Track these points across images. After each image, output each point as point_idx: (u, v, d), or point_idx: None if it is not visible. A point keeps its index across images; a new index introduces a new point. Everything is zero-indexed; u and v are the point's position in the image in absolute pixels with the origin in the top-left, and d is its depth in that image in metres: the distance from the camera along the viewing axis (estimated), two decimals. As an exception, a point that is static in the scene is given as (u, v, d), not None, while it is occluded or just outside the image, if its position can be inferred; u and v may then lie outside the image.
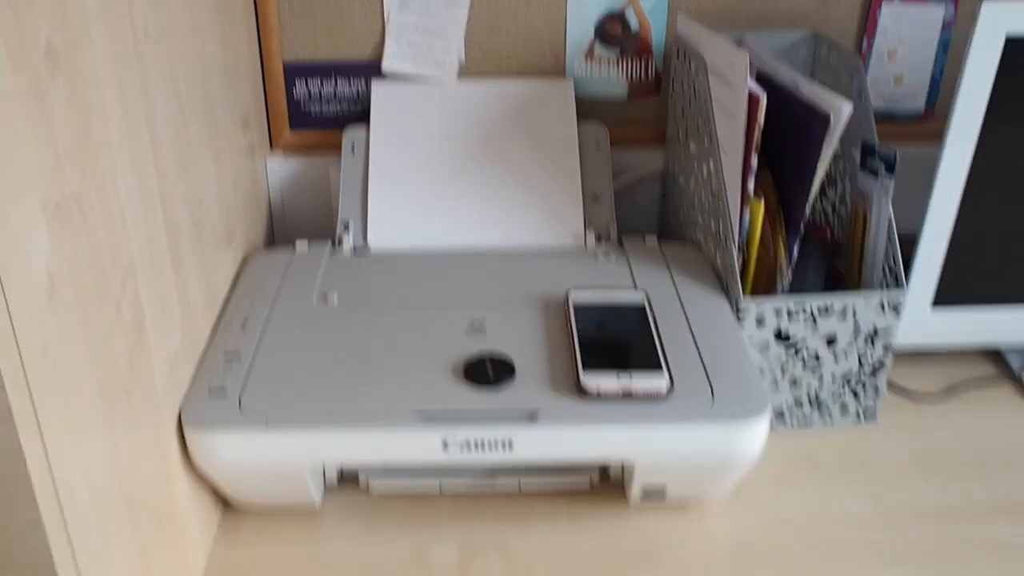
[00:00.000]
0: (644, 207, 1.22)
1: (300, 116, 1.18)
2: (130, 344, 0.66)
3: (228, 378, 0.80)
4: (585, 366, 0.80)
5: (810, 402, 0.99)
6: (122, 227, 0.65)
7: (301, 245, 1.05)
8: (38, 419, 0.52)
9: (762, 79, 1.02)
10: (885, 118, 1.22)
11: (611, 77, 1.18)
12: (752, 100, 0.91)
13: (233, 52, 1.01)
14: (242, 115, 1.05)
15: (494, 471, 0.85)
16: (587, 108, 1.18)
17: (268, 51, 1.14)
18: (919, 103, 1.22)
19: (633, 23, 1.16)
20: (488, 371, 0.80)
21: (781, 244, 0.96)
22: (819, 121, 0.91)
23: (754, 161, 0.91)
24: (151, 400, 0.71)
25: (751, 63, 1.05)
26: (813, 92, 0.93)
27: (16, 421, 0.49)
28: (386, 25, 1.14)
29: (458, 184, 1.11)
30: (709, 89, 0.98)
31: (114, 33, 0.65)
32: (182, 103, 0.82)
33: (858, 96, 1.01)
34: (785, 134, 0.96)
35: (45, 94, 0.54)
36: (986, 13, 0.87)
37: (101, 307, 0.61)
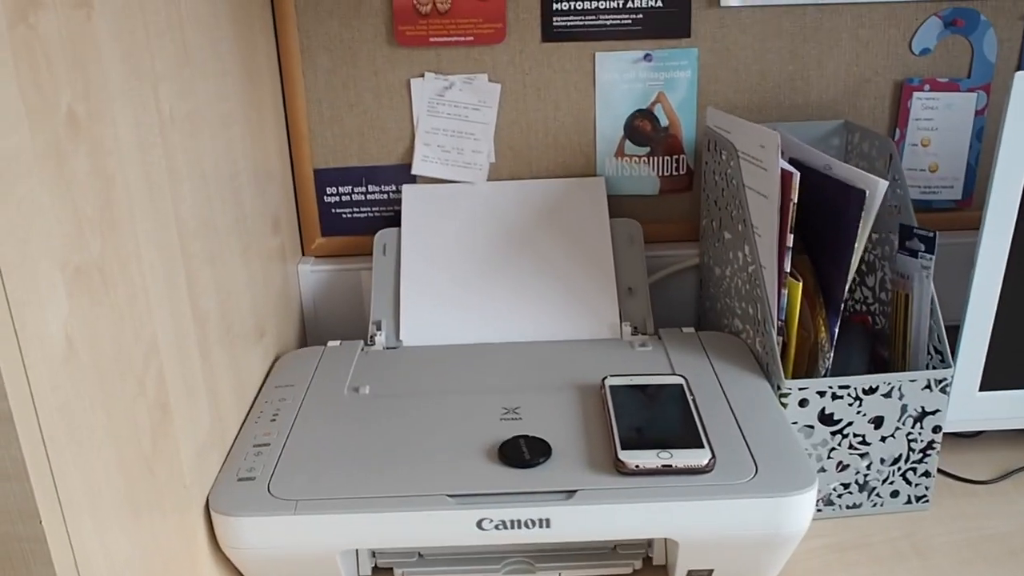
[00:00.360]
0: (681, 301, 1.21)
1: (331, 221, 1.19)
2: (153, 422, 0.65)
3: (257, 466, 0.79)
4: (624, 444, 0.78)
5: (859, 486, 0.95)
6: (146, 303, 0.65)
7: (333, 343, 1.04)
8: (54, 478, 0.50)
9: (795, 163, 1.02)
10: (922, 207, 1.21)
11: (642, 174, 1.19)
12: (785, 177, 0.90)
13: (263, 155, 1.02)
14: (272, 217, 1.06)
15: (533, 559, 0.81)
16: (619, 205, 1.18)
17: (299, 157, 1.16)
18: (956, 191, 1.21)
19: (662, 120, 1.16)
20: (523, 451, 0.78)
21: (822, 325, 0.93)
22: (854, 197, 0.90)
23: (790, 240, 0.90)
24: (176, 482, 0.69)
25: (782, 147, 1.04)
26: (847, 171, 0.92)
27: (31, 476, 0.48)
28: (415, 130, 1.15)
29: (491, 282, 1.10)
30: (741, 173, 0.98)
31: (138, 109, 0.66)
32: (209, 191, 0.82)
33: (893, 179, 1.00)
34: (820, 215, 0.95)
35: (65, 158, 0.54)
36: (1020, 84, 0.86)
37: (122, 379, 0.60)
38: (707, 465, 0.75)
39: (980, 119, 1.17)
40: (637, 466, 0.75)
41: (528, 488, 0.75)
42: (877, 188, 0.89)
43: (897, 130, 1.17)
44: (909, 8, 1.13)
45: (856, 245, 0.90)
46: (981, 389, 0.99)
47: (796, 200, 0.89)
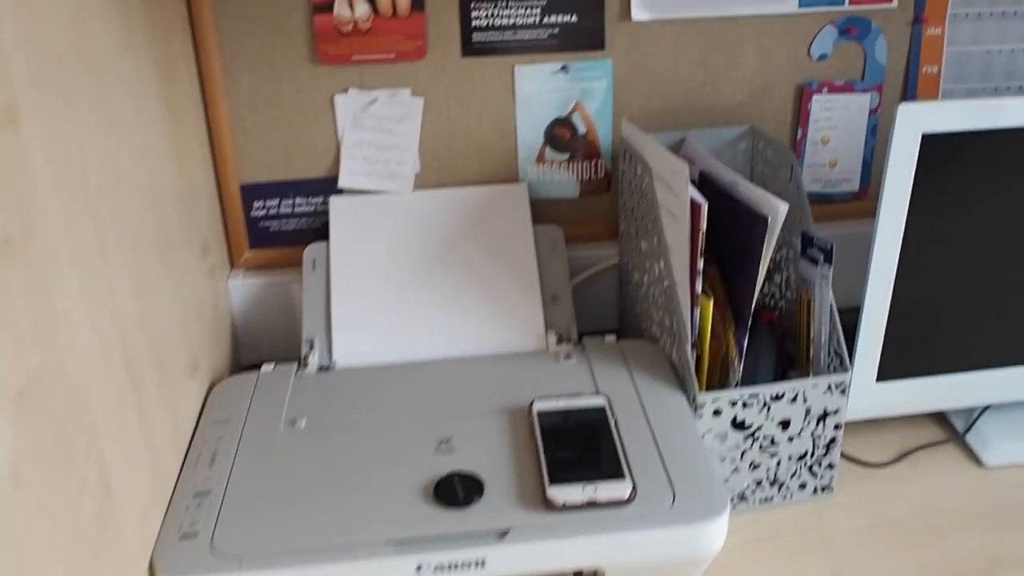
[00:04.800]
0: (602, 299, 1.22)
1: (260, 235, 1.17)
2: (98, 508, 0.64)
3: (199, 519, 0.78)
4: (551, 478, 0.80)
5: (770, 483, 0.98)
6: (84, 394, 0.63)
7: (266, 368, 1.03)
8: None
9: (704, 179, 1.03)
10: (823, 199, 1.23)
11: (563, 179, 1.18)
12: (694, 208, 0.91)
13: (189, 183, 1.01)
14: (201, 242, 1.04)
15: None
16: (541, 209, 1.18)
17: (225, 174, 1.13)
18: (853, 184, 1.23)
19: (580, 127, 1.16)
20: (457, 490, 0.79)
21: (731, 338, 0.95)
22: (758, 222, 0.91)
23: (700, 264, 0.92)
24: (121, 555, 0.68)
25: (694, 162, 1.05)
26: (752, 193, 0.94)
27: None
28: (340, 143, 1.13)
29: (420, 294, 1.09)
30: (655, 192, 0.98)
31: (68, 204, 0.64)
32: (140, 251, 0.81)
33: (796, 188, 1.02)
34: (729, 233, 0.97)
35: (2, 287, 0.52)
36: (903, 114, 0.88)
37: (66, 479, 0.59)
38: (629, 497, 0.78)
39: (874, 117, 1.19)
40: (564, 503, 0.76)
41: (463, 529, 0.76)
42: (778, 213, 0.91)
43: (799, 129, 1.19)
44: (807, 18, 1.14)
45: (760, 267, 0.92)
46: (878, 380, 1.02)
47: (705, 229, 0.90)
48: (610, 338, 1.07)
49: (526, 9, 1.11)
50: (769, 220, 0.91)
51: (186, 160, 1.01)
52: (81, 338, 0.65)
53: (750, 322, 0.96)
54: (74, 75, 0.69)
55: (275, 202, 1.17)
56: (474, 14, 1.11)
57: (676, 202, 0.94)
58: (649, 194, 1.01)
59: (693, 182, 0.95)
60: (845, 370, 0.96)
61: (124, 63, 0.82)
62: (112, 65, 0.79)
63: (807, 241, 1.00)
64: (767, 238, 0.92)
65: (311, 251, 1.14)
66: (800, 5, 1.14)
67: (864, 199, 1.25)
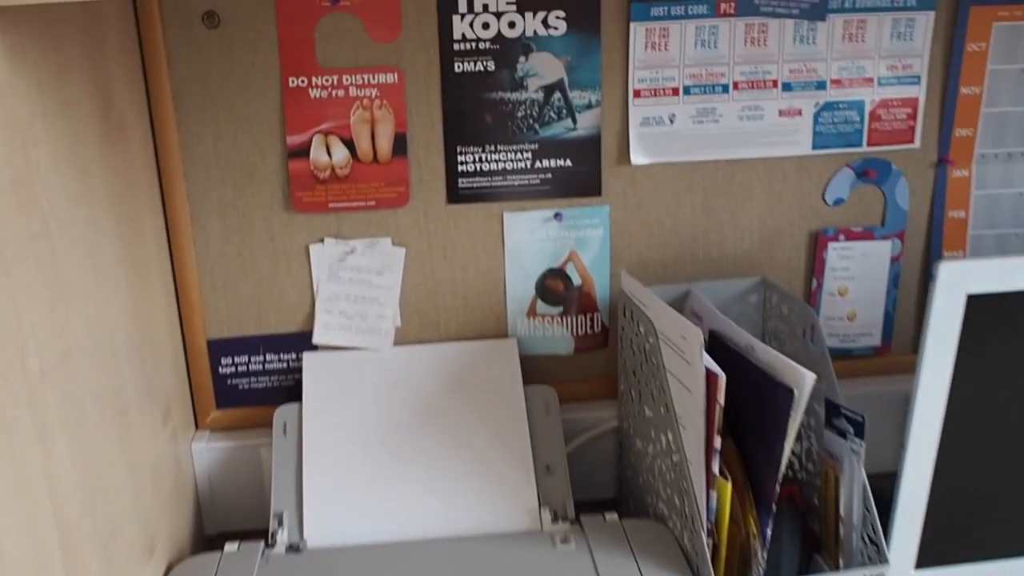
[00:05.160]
0: (600, 465, 1.11)
1: (227, 393, 1.06)
2: None
3: None
4: None
5: None
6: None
7: (230, 547, 0.90)
8: None
9: (715, 340, 0.93)
10: (842, 355, 1.13)
11: (556, 334, 1.08)
12: (711, 379, 0.80)
13: (150, 342, 0.91)
14: (163, 406, 0.94)
15: None
16: (533, 366, 1.08)
17: (191, 329, 1.03)
18: (875, 338, 1.13)
19: (575, 279, 1.06)
20: None
21: (753, 524, 0.83)
22: (782, 394, 0.81)
23: (717, 442, 0.80)
24: None
25: (701, 318, 0.96)
26: (772, 359, 0.84)
27: None
28: (316, 296, 1.03)
29: (400, 464, 0.98)
30: (661, 356, 0.87)
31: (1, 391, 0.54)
32: (89, 426, 0.72)
33: (817, 349, 0.93)
34: (745, 402, 0.87)
35: None
36: (946, 274, 0.78)
37: None
38: None
39: (896, 266, 1.09)
40: None
41: None
42: (804, 385, 0.81)
43: (814, 280, 1.09)
44: (821, 160, 1.05)
45: (785, 444, 0.81)
46: (917, 567, 0.90)
47: (723, 403, 0.79)
48: (611, 516, 0.95)
49: (516, 153, 1.03)
50: (795, 394, 0.81)
51: (148, 317, 0.91)
52: (16, 514, 0.54)
53: (774, 510, 0.85)
54: (17, 241, 0.60)
55: (244, 359, 1.07)
56: (460, 159, 1.03)
57: (688, 371, 0.84)
58: (654, 357, 0.91)
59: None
60: (883, 561, 0.84)
61: (79, 218, 0.73)
62: (65, 222, 0.70)
63: (832, 410, 0.90)
64: (792, 413, 0.82)
65: (282, 413, 1.03)
66: (814, 147, 1.06)
67: (886, 355, 1.15)
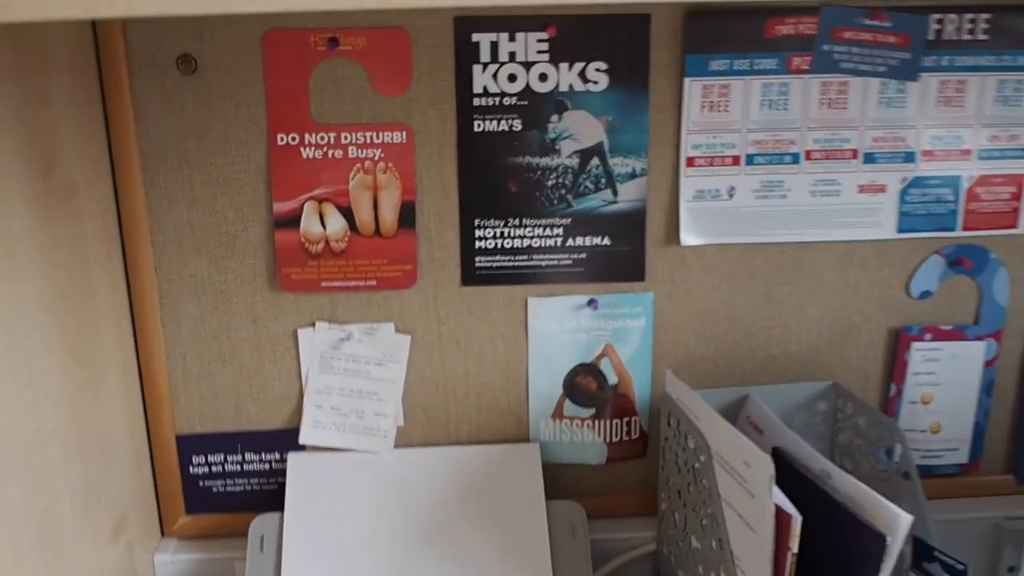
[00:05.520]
0: (634, 597, 0.92)
1: (198, 497, 0.91)
2: None
3: None
4: None
5: None
6: None
7: None
8: None
9: (778, 459, 0.76)
10: (922, 473, 0.94)
11: (586, 440, 0.92)
12: (783, 519, 0.63)
13: (100, 444, 0.77)
14: (115, 516, 0.79)
15: None
16: (558, 477, 0.93)
17: (157, 423, 0.88)
18: (961, 454, 0.95)
19: (610, 376, 0.89)
20: None
21: None
22: (870, 540, 0.66)
23: (786, 609, 0.62)
24: None
25: (762, 431, 0.79)
26: (854, 493, 0.69)
27: None
28: (304, 388, 0.87)
29: (392, 598, 0.81)
30: (716, 481, 0.71)
31: None
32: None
33: (903, 476, 0.76)
34: (818, 544, 0.70)
35: None
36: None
37: None
38: None
39: (990, 371, 0.92)
40: None
41: None
42: (898, 529, 0.64)
43: (893, 385, 0.91)
44: (906, 245, 0.89)
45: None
46: None
47: (796, 549, 0.62)
48: None
49: (545, 228, 0.87)
50: (887, 540, 0.64)
51: (97, 414, 0.76)
52: None
53: None
54: None
55: (219, 458, 0.91)
56: (479, 233, 0.86)
57: (751, 505, 0.67)
58: (705, 480, 0.74)
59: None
60: None
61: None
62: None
63: (923, 551, 0.72)
64: (883, 565, 0.64)
65: (259, 525, 0.87)
66: (898, 229, 0.89)
67: (975, 474, 0.97)
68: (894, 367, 0.94)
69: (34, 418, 0.65)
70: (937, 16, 0.86)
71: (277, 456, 0.92)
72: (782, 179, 0.88)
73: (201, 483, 0.92)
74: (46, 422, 0.67)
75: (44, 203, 0.68)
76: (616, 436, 0.93)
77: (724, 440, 0.75)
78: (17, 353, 0.63)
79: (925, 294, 0.93)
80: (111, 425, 0.80)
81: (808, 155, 0.88)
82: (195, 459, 0.91)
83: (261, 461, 0.92)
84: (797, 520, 0.67)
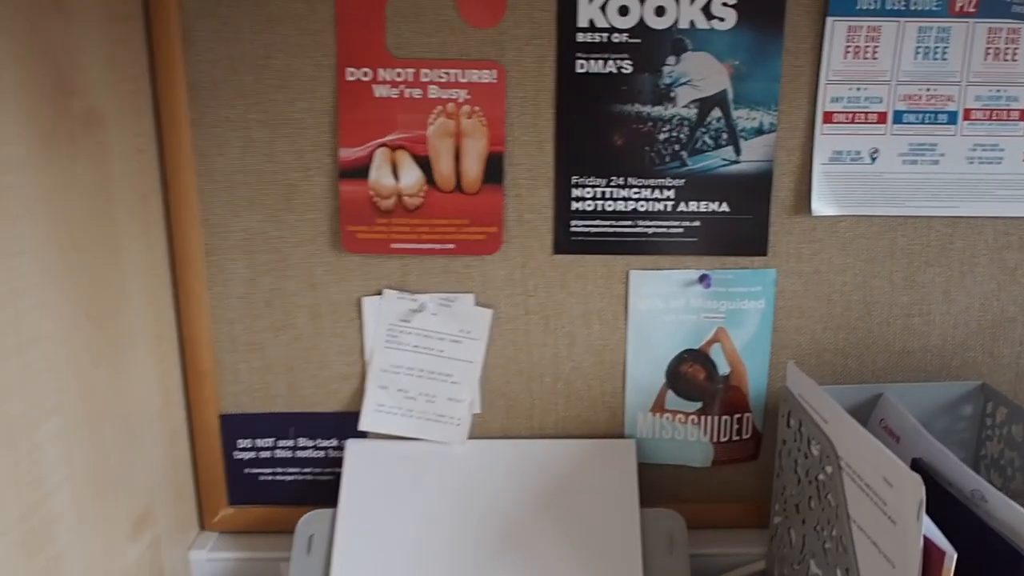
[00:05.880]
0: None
1: (244, 486, 0.80)
2: None
3: None
4: None
5: None
6: None
7: None
8: None
9: (918, 468, 0.62)
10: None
11: (690, 438, 0.79)
12: (933, 555, 0.50)
13: (121, 424, 0.66)
14: (136, 510, 0.68)
15: None
16: (656, 479, 0.81)
17: (198, 399, 0.77)
18: None
19: (721, 366, 0.76)
20: None
21: None
22: None
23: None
24: None
25: (898, 437, 0.66)
26: (1017, 522, 0.54)
27: None
28: (367, 366, 0.74)
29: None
30: (845, 497, 0.57)
31: None
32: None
33: None
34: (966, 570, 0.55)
35: None
36: None
37: None
38: None
39: None
40: None
41: None
42: None
43: (1051, 389, 0.77)
44: (1075, 222, 0.74)
45: None
46: None
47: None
48: None
49: (654, 190, 0.74)
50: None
51: (119, 389, 0.66)
52: None
53: None
54: None
55: (268, 442, 0.79)
56: (576, 192, 0.74)
57: (892, 533, 0.55)
58: (832, 496, 0.62)
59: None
60: None
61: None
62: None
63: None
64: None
65: (308, 522, 0.76)
66: (1067, 206, 0.75)
67: None
68: (1053, 367, 0.80)
69: (23, 394, 0.53)
70: None
71: (334, 443, 0.80)
72: (935, 142, 0.75)
73: (247, 471, 0.81)
74: (42, 399, 0.55)
75: (52, 131, 0.56)
76: (725, 435, 0.80)
77: (859, 450, 0.62)
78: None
79: (1095, 283, 0.79)
80: (137, 401, 0.68)
81: (967, 114, 0.74)
82: (240, 443, 0.80)
83: (316, 448, 0.80)
84: (951, 557, 0.54)
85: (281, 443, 0.80)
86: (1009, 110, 0.74)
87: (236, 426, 0.79)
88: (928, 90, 0.74)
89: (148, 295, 0.70)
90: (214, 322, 0.77)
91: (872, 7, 0.72)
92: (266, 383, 0.79)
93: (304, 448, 0.80)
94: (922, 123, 0.74)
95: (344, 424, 0.79)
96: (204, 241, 0.75)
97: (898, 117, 0.74)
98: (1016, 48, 0.73)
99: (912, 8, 0.72)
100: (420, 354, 0.78)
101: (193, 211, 0.73)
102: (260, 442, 0.80)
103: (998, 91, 0.74)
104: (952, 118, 0.74)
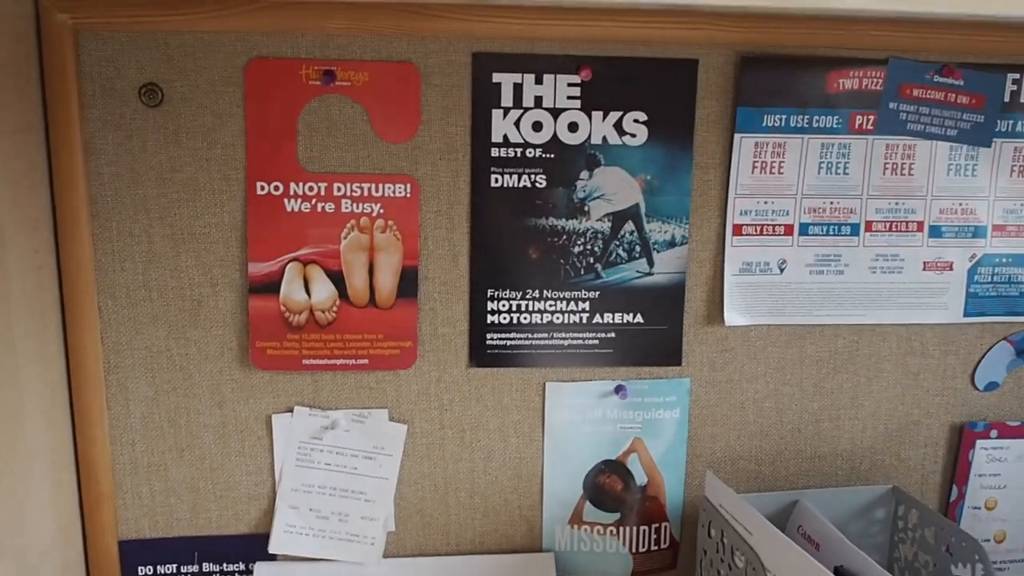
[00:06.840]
0: None
1: (143, 621, 0.72)
2: None
3: None
4: None
5: None
6: None
7: None
8: None
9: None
10: (984, 590, 0.79)
11: (608, 549, 0.78)
12: None
13: (13, 558, 0.57)
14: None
15: None
16: None
17: (95, 526, 0.72)
18: (1028, 567, 0.81)
19: (638, 476, 0.75)
20: None
21: None
22: None
23: None
24: None
25: (817, 544, 0.66)
26: None
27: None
28: (277, 486, 0.70)
29: None
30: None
31: None
32: None
33: None
34: None
35: None
36: None
37: None
38: None
39: (1061, 473, 0.78)
40: None
41: None
42: None
43: (954, 488, 0.79)
44: (973, 331, 0.77)
45: None
46: None
47: None
48: None
49: (569, 302, 0.72)
50: None
51: (13, 519, 0.59)
52: None
53: None
54: None
55: (170, 568, 0.74)
56: (491, 306, 0.72)
57: None
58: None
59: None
60: None
61: None
62: None
63: None
64: None
65: (215, 655, 0.70)
66: (965, 313, 0.77)
67: (1044, 594, 0.83)
68: (956, 468, 0.81)
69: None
70: (1014, 76, 0.74)
71: (241, 567, 0.75)
72: (839, 252, 0.75)
73: (146, 602, 0.75)
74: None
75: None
76: (643, 546, 0.78)
77: (786, 561, 0.60)
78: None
79: (991, 386, 0.80)
80: (32, 533, 0.62)
81: (869, 226, 0.75)
82: (141, 570, 0.74)
83: (222, 572, 0.75)
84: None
85: (185, 569, 0.75)
86: (907, 222, 0.76)
87: (136, 553, 0.74)
88: (832, 203, 0.75)
89: (45, 418, 0.65)
90: (114, 444, 0.72)
91: (777, 125, 0.72)
92: (169, 506, 0.74)
93: (210, 573, 0.75)
94: (827, 235, 0.75)
95: (252, 546, 0.75)
96: (104, 359, 0.70)
97: (804, 229, 0.75)
98: (912, 163, 0.75)
99: (815, 126, 0.73)
100: (332, 472, 0.74)
101: (92, 329, 0.69)
102: (162, 568, 0.74)
103: (897, 203, 0.75)
104: (855, 230, 0.75)
